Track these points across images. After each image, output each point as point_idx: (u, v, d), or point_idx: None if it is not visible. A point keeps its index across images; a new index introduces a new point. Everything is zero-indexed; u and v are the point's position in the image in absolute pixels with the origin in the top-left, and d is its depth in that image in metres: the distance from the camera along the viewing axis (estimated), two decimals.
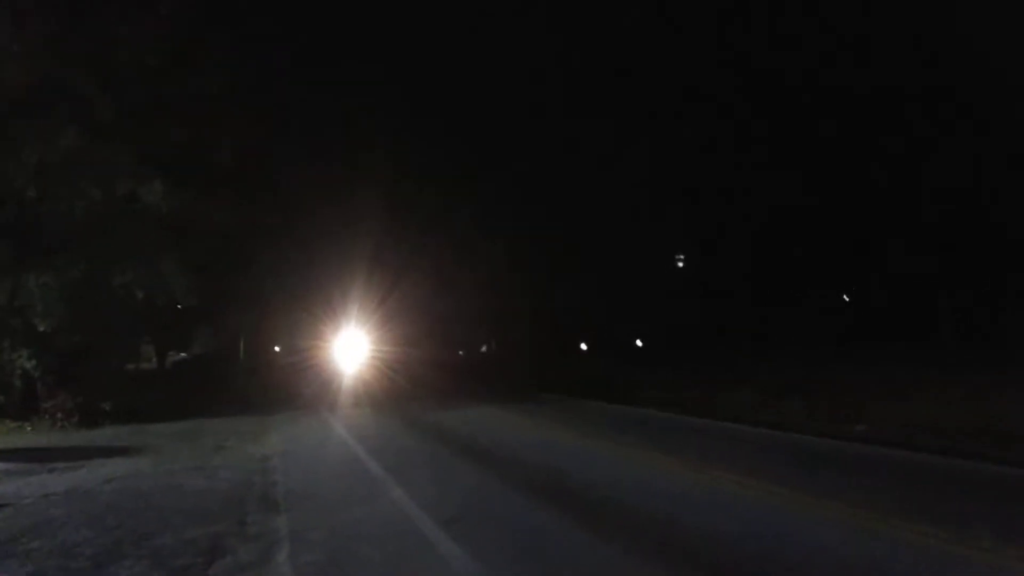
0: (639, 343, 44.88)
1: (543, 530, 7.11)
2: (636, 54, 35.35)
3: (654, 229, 35.95)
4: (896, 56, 27.11)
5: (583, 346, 47.88)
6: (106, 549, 6.73)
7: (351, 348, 41.90)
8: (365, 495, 8.97)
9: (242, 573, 6.04)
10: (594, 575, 5.77)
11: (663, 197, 34.52)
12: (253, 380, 31.44)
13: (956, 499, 8.12)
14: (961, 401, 13.87)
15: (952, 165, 26.05)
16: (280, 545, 6.81)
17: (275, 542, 6.92)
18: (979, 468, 9.75)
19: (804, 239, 32.24)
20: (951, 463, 10.15)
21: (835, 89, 29.42)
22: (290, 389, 29.40)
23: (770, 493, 8.31)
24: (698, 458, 10.92)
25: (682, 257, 41.76)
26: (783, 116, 31.69)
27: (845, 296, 35.30)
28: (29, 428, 16.67)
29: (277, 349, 58.09)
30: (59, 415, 17.06)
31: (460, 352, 59.76)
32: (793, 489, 8.42)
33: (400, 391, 27.49)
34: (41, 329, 16.85)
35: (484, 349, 62.07)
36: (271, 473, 10.70)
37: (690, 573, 5.73)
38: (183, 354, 44.00)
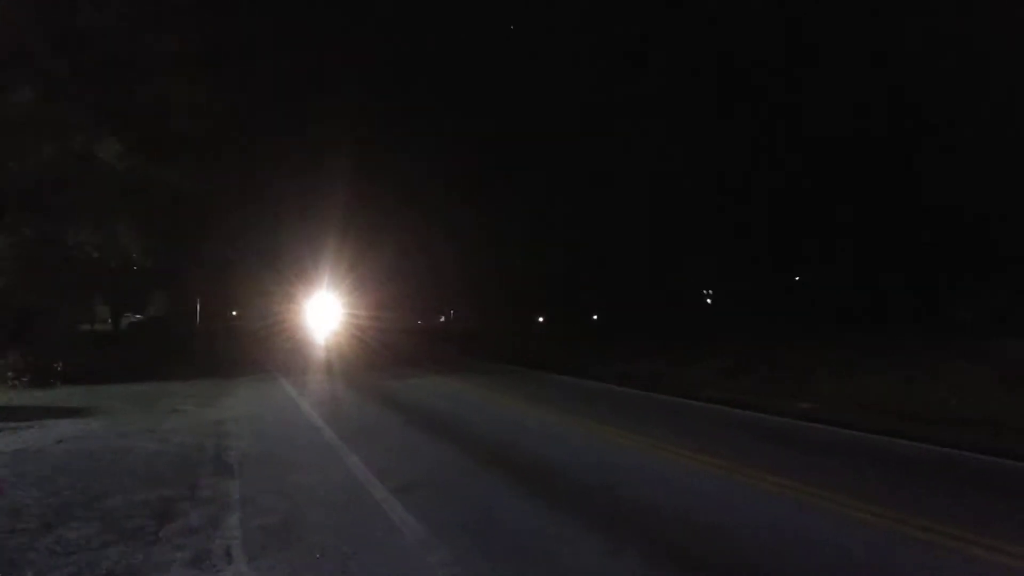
0: (595, 317, 45.19)
1: (494, 499, 7.23)
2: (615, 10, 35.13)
3: (618, 204, 36.03)
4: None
5: (540, 319, 48.13)
6: (55, 510, 6.71)
7: (319, 313, 41.87)
8: (320, 462, 9.02)
9: (193, 536, 6.07)
10: (540, 542, 5.88)
11: (630, 175, 34.60)
12: (212, 344, 31.23)
13: (892, 477, 8.36)
14: (899, 385, 14.30)
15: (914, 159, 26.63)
16: (231, 509, 6.85)
17: (226, 506, 6.96)
18: (910, 447, 10.05)
19: (767, 220, 32.58)
20: (890, 442, 10.44)
21: (796, 79, 29.81)
22: (250, 354, 29.24)
23: (715, 466, 8.51)
24: (648, 432, 11.10)
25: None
26: (758, 103, 31.95)
27: (797, 277, 35.80)
28: None
29: (235, 313, 57.66)
30: (10, 374, 16.83)
31: (419, 321, 59.85)
32: (737, 463, 8.61)
33: (360, 358, 27.51)
34: None
35: (443, 319, 62.20)
36: (225, 438, 10.69)
37: (632, 541, 5.87)
38: (138, 316, 43.54)
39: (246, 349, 32.05)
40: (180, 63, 18.70)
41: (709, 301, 41.28)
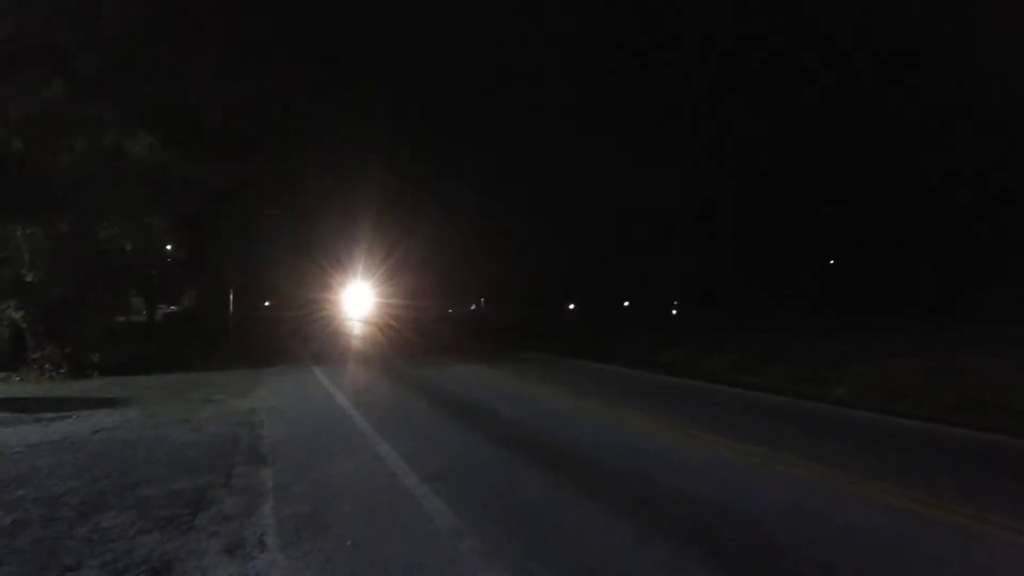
0: (626, 304, 45.05)
1: (526, 487, 7.20)
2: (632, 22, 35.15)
3: (648, 195, 35.95)
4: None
5: (571, 305, 48.03)
6: (91, 499, 6.80)
7: (353, 302, 42.21)
8: (351, 450, 9.05)
9: (227, 524, 6.11)
10: (574, 531, 5.85)
11: (654, 163, 34.51)
12: (245, 334, 31.50)
13: (928, 462, 8.25)
14: (931, 372, 14.11)
15: (939, 150, 26.35)
16: (265, 498, 6.88)
17: (260, 495, 7.00)
18: (948, 432, 9.92)
19: (794, 211, 32.32)
20: (925, 427, 10.32)
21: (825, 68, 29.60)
22: (284, 344, 29.47)
23: (747, 453, 8.44)
24: (678, 418, 11.05)
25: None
26: (778, 91, 31.73)
27: (831, 260, 35.48)
28: (17, 378, 16.68)
29: (268, 303, 58.17)
30: (47, 366, 17.09)
31: (449, 310, 59.99)
32: (771, 449, 8.54)
33: (392, 346, 27.66)
34: (28, 280, 16.84)
35: (473, 307, 62.32)
36: (258, 427, 10.77)
37: (662, 527, 5.83)
38: (173, 307, 44.02)
39: (279, 339, 32.31)
40: (211, 58, 18.80)
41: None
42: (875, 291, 30.08)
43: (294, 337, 33.68)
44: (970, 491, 6.81)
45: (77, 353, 17.60)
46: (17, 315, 17.41)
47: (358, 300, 42.47)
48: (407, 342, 30.10)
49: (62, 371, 17.01)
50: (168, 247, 19.47)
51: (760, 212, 33.34)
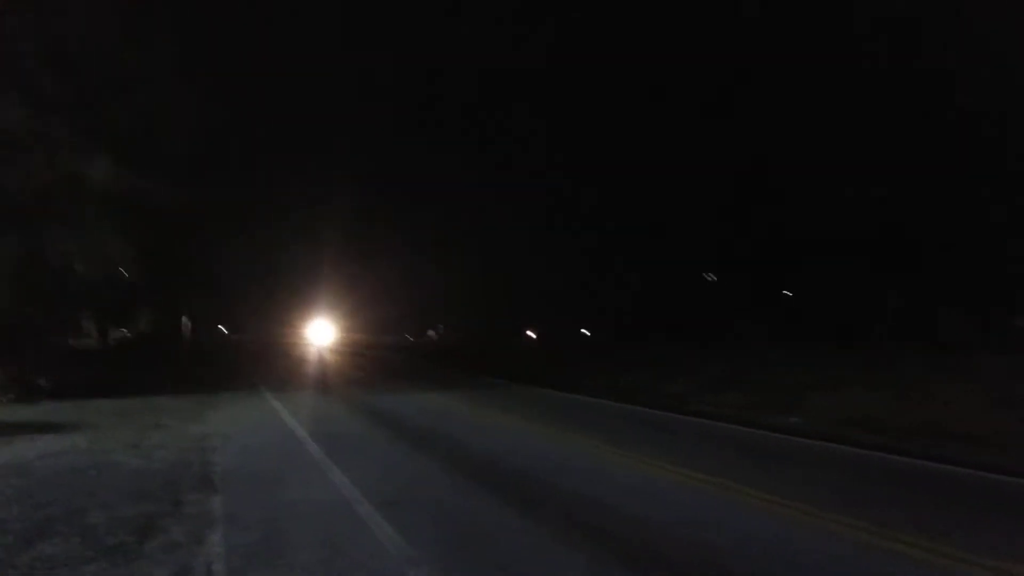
0: (585, 332, 45.34)
1: (479, 514, 7.19)
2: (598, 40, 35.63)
3: (603, 222, 36.48)
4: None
5: (530, 333, 48.22)
6: (36, 525, 6.64)
7: (312, 331, 42.10)
8: (304, 477, 8.96)
9: (175, 552, 6.00)
10: (525, 557, 5.85)
11: (613, 194, 35.10)
12: (200, 360, 31.10)
13: (876, 490, 8.38)
14: (889, 400, 14.35)
15: (889, 168, 26.90)
16: (215, 525, 6.78)
17: (210, 522, 6.88)
18: (903, 462, 10.09)
19: (751, 237, 32.80)
20: (878, 457, 10.48)
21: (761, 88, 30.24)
22: (239, 370, 29.11)
23: (701, 481, 8.50)
24: (634, 447, 11.10)
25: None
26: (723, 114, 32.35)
27: (786, 292, 35.96)
28: None
29: (224, 329, 57.55)
30: None
31: (409, 337, 59.91)
32: (724, 478, 8.62)
33: (349, 374, 27.48)
34: None
35: (432, 335, 62.24)
36: (210, 453, 10.61)
37: (617, 554, 5.85)
38: (123, 330, 43.31)
39: (235, 365, 31.88)
40: (172, 81, 18.70)
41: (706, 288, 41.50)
42: (839, 315, 30.52)
43: (250, 364, 33.29)
44: (912, 518, 6.94)
45: (24, 376, 17.22)
46: None
47: (318, 328, 42.29)
48: (364, 370, 29.92)
49: (10, 396, 16.62)
50: (124, 271, 19.17)
51: (724, 239, 33.82)
